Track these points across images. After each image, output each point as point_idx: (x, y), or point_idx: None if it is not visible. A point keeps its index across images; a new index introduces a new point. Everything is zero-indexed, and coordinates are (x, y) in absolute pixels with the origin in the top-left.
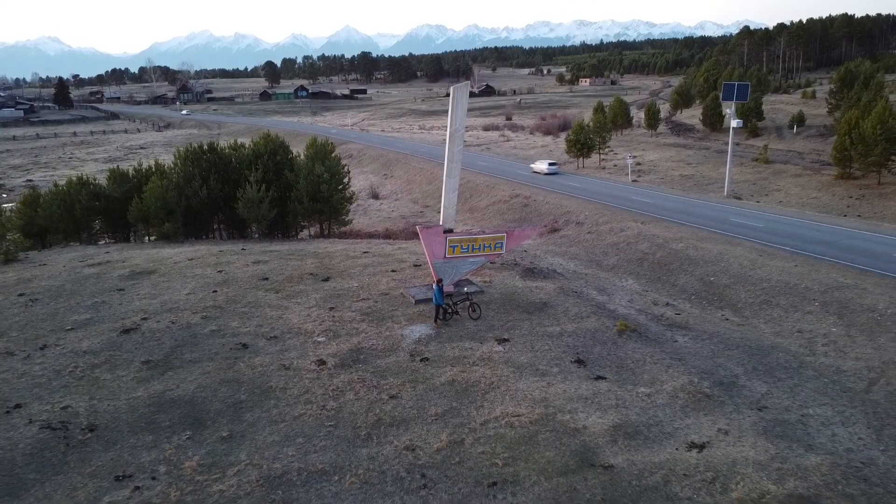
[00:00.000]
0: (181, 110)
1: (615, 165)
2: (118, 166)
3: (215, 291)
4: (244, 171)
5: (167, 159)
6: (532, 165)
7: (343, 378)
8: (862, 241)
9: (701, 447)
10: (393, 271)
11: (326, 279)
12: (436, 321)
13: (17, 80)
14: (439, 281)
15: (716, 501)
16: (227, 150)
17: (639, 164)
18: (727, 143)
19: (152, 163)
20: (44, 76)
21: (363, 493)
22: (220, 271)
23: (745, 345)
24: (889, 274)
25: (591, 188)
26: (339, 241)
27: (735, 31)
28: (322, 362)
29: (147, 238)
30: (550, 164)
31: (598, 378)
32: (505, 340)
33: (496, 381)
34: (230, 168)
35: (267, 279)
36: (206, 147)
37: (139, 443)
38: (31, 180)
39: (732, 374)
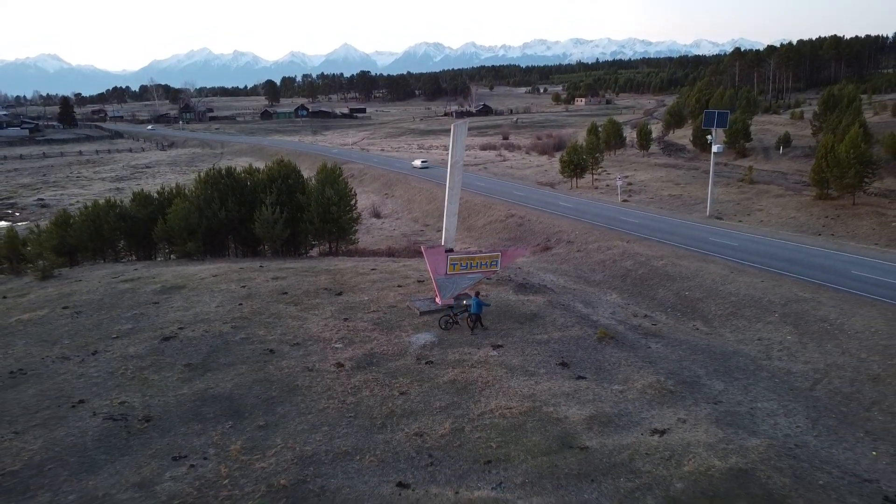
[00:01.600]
0: (148, 125)
1: (607, 185)
2: (142, 189)
3: (241, 304)
4: (259, 193)
5: (172, 178)
6: (412, 163)
7: (359, 378)
8: (824, 259)
9: (662, 433)
10: (399, 286)
11: (339, 293)
12: (472, 330)
13: (17, 97)
14: (477, 293)
15: (670, 474)
16: (242, 174)
17: (630, 183)
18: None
19: (173, 185)
20: (44, 94)
21: (381, 469)
22: (244, 286)
23: (709, 351)
24: (843, 289)
25: (583, 208)
26: (348, 259)
27: (730, 48)
28: (340, 365)
29: (170, 256)
30: (423, 162)
31: (579, 378)
32: (499, 346)
33: (491, 380)
34: (245, 191)
35: (286, 293)
36: (223, 171)
37: (189, 431)
38: (42, 199)
39: (695, 374)
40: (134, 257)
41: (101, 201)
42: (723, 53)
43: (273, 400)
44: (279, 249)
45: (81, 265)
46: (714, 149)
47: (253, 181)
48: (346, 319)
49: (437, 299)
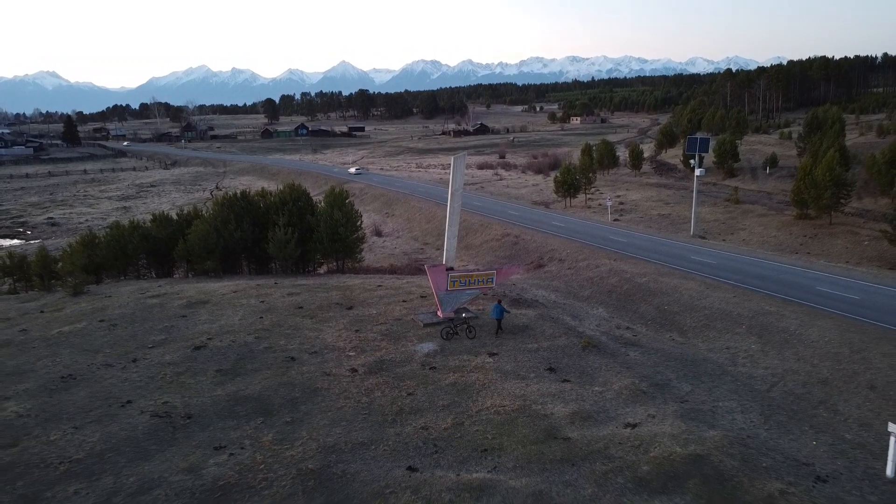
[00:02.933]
0: (123, 142)
1: (599, 205)
2: (163, 212)
3: (261, 317)
4: (271, 215)
5: (177, 196)
6: (349, 169)
7: (371, 381)
8: (793, 276)
9: (634, 426)
10: (404, 301)
11: (350, 307)
12: (496, 333)
13: (17, 114)
14: (499, 301)
15: (638, 459)
16: (255, 197)
17: (622, 203)
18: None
19: (191, 207)
20: (44, 111)
21: (393, 456)
22: (262, 301)
23: (682, 358)
24: (806, 303)
25: (575, 227)
26: (355, 276)
27: (725, 66)
28: (354, 370)
29: (187, 274)
30: (358, 170)
31: (564, 381)
32: (494, 354)
33: (487, 382)
34: (259, 212)
35: (302, 308)
36: (239, 194)
37: (226, 426)
38: (51, 218)
39: (667, 378)
40: (154, 274)
41: (125, 223)
42: (717, 71)
43: (297, 400)
44: (290, 267)
45: (106, 282)
46: (696, 172)
47: (266, 203)
48: (357, 331)
49: (439, 312)
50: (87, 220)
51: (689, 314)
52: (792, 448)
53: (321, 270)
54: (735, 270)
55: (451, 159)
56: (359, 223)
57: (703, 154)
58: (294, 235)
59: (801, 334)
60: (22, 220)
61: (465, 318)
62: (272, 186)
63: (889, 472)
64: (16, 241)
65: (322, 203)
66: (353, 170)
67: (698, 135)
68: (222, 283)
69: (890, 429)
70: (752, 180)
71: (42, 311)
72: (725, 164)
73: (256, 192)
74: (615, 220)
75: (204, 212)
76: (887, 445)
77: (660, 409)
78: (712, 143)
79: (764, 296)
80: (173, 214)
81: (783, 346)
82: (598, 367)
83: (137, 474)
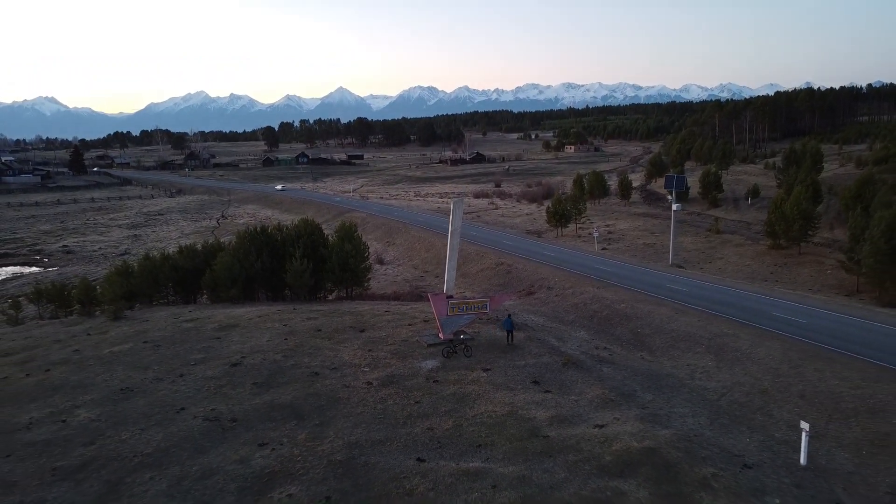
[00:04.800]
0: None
1: (589, 234)
2: (190, 244)
3: (286, 339)
4: (287, 247)
5: (185, 224)
6: (276, 187)
7: (384, 392)
8: (753, 303)
9: (601, 426)
10: (409, 325)
11: (362, 330)
12: (508, 342)
13: (17, 140)
14: (509, 315)
15: (603, 451)
16: (273, 231)
17: (610, 232)
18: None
19: (212, 240)
20: (44, 136)
21: (404, 451)
22: (285, 325)
23: (648, 373)
24: (759, 326)
25: (564, 257)
26: (363, 303)
27: (718, 93)
28: (369, 383)
29: (212, 300)
30: (282, 187)
31: (546, 391)
32: (488, 369)
33: (482, 393)
34: (276, 245)
35: (320, 330)
36: (259, 229)
37: (266, 427)
38: (66, 245)
39: (633, 389)
40: (180, 301)
41: (157, 254)
42: (711, 98)
43: (323, 407)
44: (303, 294)
45: (138, 308)
46: (674, 207)
47: (282, 236)
48: (370, 350)
49: (440, 334)
50: (100, 248)
51: (658, 336)
52: (729, 444)
53: (331, 297)
54: (703, 297)
55: (451, 203)
56: (366, 254)
57: (679, 190)
58: (309, 266)
59: (751, 353)
60: (38, 247)
61: (462, 339)
62: (276, 215)
63: (802, 460)
64: (35, 269)
65: (333, 236)
66: (278, 186)
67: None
68: (246, 309)
69: (802, 426)
70: (735, 210)
71: (89, 334)
72: (710, 194)
73: (273, 227)
74: (603, 248)
75: (226, 244)
76: (807, 441)
77: (624, 414)
78: (692, 179)
79: (724, 320)
80: (198, 247)
81: (734, 363)
82: (575, 381)
83: (199, 464)
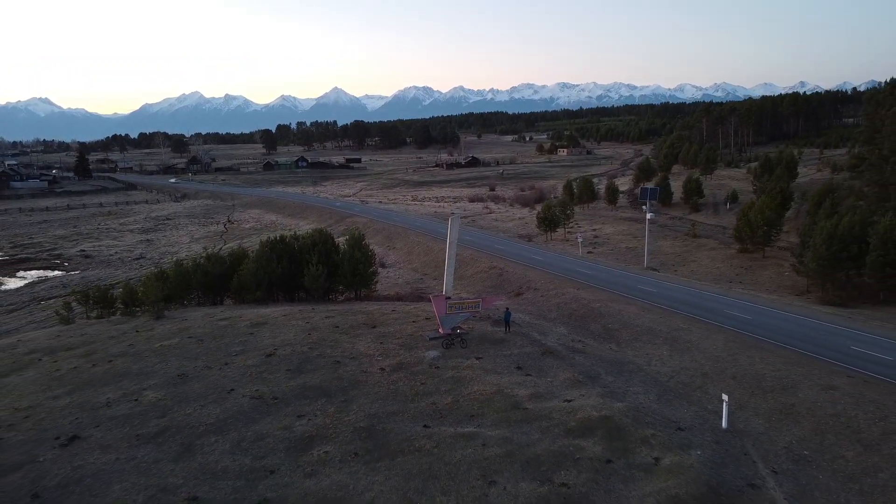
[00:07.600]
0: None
1: (576, 238)
2: (220, 249)
3: (309, 334)
4: (304, 254)
5: (194, 229)
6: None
7: (395, 376)
8: (710, 302)
9: (569, 401)
10: (413, 322)
11: (374, 326)
12: (506, 331)
13: (14, 142)
14: (507, 308)
15: (569, 419)
16: (290, 240)
17: (596, 236)
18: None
19: (235, 246)
20: (40, 138)
21: (413, 420)
22: (307, 322)
23: (613, 361)
24: (711, 321)
25: (551, 261)
26: (372, 304)
27: (713, 92)
28: (383, 369)
29: (236, 301)
30: (176, 181)
31: (527, 375)
32: (480, 358)
33: (475, 376)
34: (294, 252)
35: (338, 327)
36: (278, 238)
37: (302, 404)
38: (83, 250)
39: (598, 373)
40: (208, 303)
41: (187, 261)
42: (706, 97)
43: (346, 388)
44: (317, 296)
45: (173, 309)
46: (648, 216)
47: (299, 245)
48: (381, 343)
49: (440, 330)
50: (116, 253)
51: (625, 330)
52: (669, 413)
53: (341, 298)
54: (669, 297)
55: (450, 219)
56: (373, 260)
57: (653, 201)
58: (324, 271)
59: (699, 344)
60: (56, 252)
61: (459, 333)
62: (280, 220)
63: (724, 424)
64: (58, 273)
65: (344, 244)
66: (173, 180)
67: (662, 176)
68: (271, 309)
69: (723, 398)
70: (714, 215)
71: (137, 331)
72: (691, 199)
73: (290, 236)
74: (588, 252)
75: (250, 252)
76: (728, 410)
77: (588, 391)
78: (676, 184)
79: (683, 316)
80: (224, 254)
81: (684, 352)
82: (551, 366)
83: (252, 431)
